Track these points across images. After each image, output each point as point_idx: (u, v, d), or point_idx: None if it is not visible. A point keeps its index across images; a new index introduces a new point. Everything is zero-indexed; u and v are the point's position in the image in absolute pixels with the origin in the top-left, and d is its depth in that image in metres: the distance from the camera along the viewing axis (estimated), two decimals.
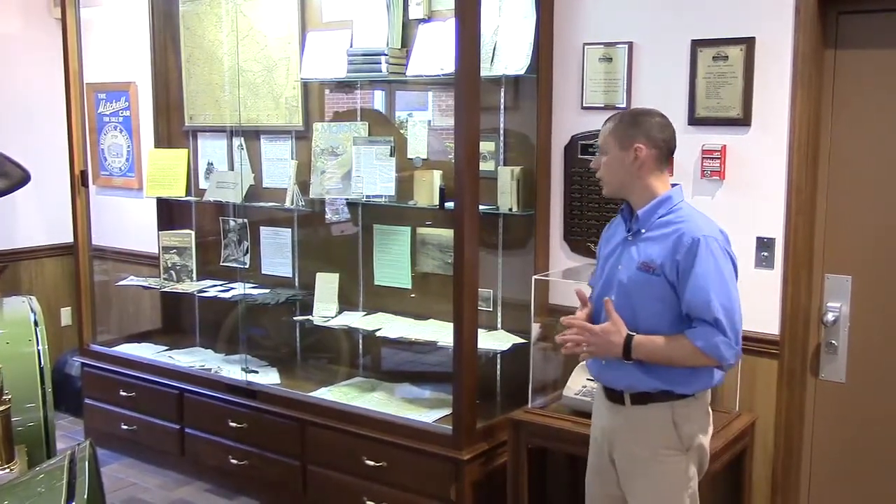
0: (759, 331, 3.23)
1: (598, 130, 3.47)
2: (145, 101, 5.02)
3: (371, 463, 3.64)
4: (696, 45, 3.29)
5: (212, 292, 4.69)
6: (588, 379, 3.19)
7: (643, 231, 2.54)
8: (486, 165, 3.69)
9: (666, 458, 2.54)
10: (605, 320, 2.54)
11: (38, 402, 2.91)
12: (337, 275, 4.32)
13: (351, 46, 4.08)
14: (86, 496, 1.77)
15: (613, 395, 2.63)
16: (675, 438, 2.54)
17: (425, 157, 4.03)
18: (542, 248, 3.74)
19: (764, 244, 3.25)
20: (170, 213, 5.03)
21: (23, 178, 4.11)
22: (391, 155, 3.96)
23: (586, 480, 2.79)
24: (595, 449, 2.75)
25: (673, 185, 2.59)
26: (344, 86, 4.29)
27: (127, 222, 5.22)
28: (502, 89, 3.77)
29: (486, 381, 3.86)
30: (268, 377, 4.31)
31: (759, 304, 3.19)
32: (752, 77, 3.20)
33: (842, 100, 3.16)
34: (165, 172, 4.86)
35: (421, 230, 4.10)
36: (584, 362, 2.82)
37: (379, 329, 4.01)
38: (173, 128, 4.97)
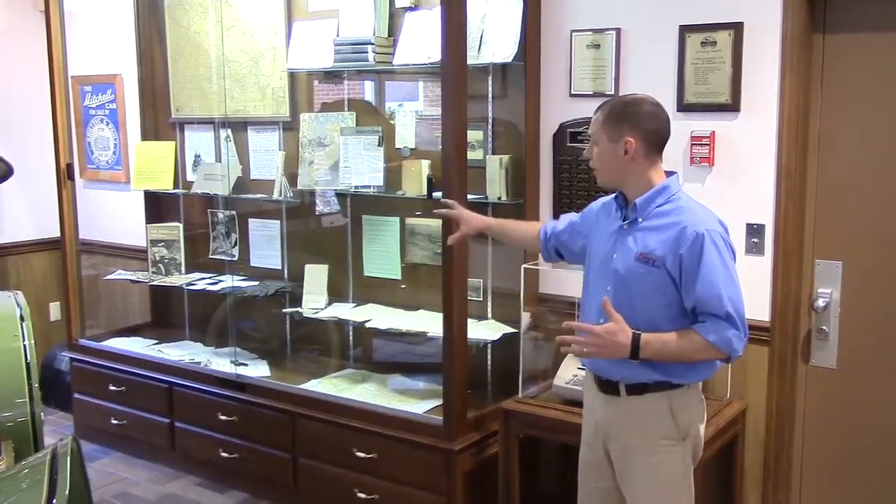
0: (750, 317, 3.10)
1: (587, 118, 3.41)
2: (131, 94, 4.98)
3: (362, 455, 3.63)
4: (684, 30, 3.27)
5: (200, 285, 4.67)
6: (579, 368, 3.18)
7: (640, 220, 2.48)
8: (474, 154, 3.66)
9: (663, 449, 2.51)
10: (604, 316, 2.44)
11: (25, 397, 2.89)
12: (326, 266, 4.30)
13: (337, 36, 4.04)
14: (67, 492, 1.75)
15: (607, 387, 2.56)
16: (672, 428, 2.50)
17: (413, 146, 4.01)
18: None
19: (754, 230, 3.23)
20: (157, 206, 5.00)
21: (6, 172, 4.10)
22: (379, 145, 3.94)
23: (579, 476, 2.74)
24: (588, 443, 2.69)
25: (670, 173, 2.53)
26: (331, 76, 4.26)
27: (114, 216, 5.19)
28: (490, 77, 3.75)
29: (477, 372, 3.84)
30: (258, 370, 4.29)
31: (749, 291, 3.11)
32: (740, 62, 3.18)
33: (831, 84, 3.14)
34: (152, 165, 4.83)
35: (410, 220, 4.08)
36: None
37: (369, 320, 4.00)
38: (160, 120, 4.95)
